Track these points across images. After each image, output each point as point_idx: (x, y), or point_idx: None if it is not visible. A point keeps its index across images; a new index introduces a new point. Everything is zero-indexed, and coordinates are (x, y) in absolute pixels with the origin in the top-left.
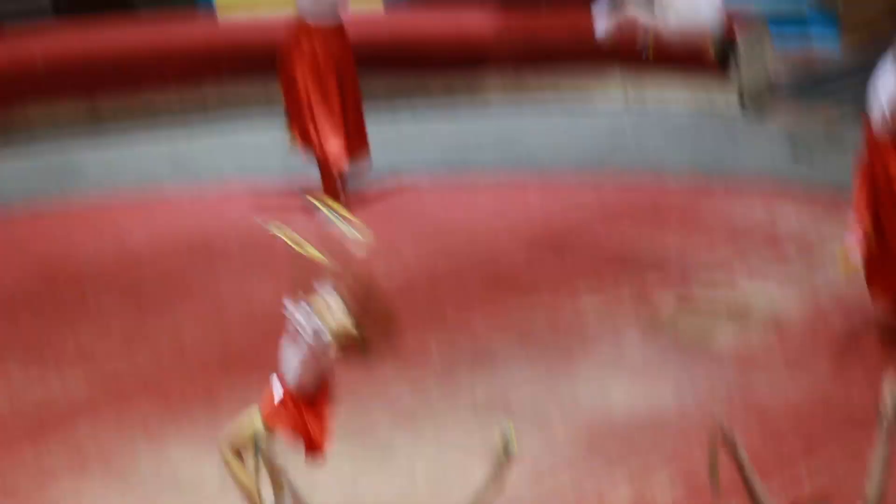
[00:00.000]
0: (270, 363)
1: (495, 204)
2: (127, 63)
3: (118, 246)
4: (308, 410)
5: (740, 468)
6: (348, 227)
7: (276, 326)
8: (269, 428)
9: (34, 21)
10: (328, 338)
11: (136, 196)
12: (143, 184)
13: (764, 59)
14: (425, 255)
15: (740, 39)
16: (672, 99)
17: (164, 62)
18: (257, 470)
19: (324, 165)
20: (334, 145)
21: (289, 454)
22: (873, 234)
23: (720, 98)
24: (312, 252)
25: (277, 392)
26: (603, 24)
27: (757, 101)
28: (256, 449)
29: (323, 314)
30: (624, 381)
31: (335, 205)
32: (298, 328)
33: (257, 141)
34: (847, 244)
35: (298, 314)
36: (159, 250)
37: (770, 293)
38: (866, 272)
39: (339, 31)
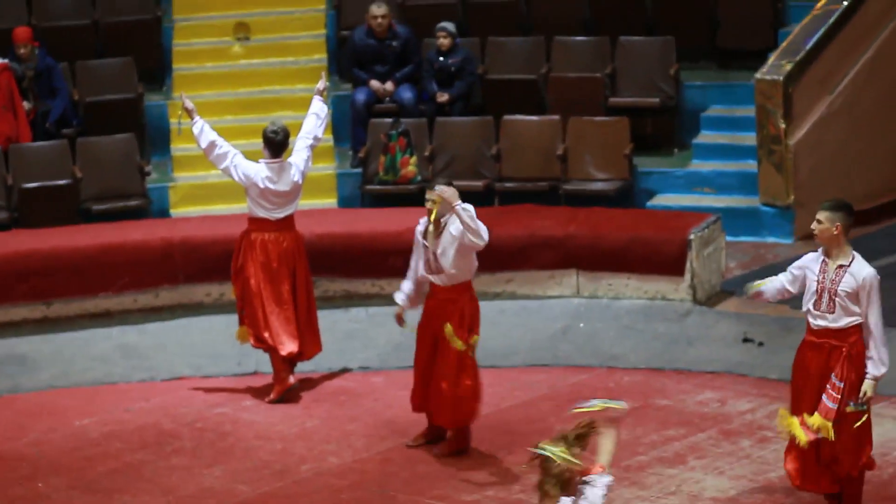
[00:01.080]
0: None
1: None
2: (82, 266)
3: (69, 433)
4: None
5: None
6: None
7: None
8: None
9: None
10: None
11: (89, 386)
12: (96, 375)
13: (717, 252)
14: (377, 440)
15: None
16: (625, 293)
17: (117, 265)
18: None
19: (276, 361)
20: (287, 343)
21: None
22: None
23: (673, 292)
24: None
25: None
26: None
27: (709, 295)
28: None
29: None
30: None
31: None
32: None
33: (210, 339)
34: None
35: None
36: (110, 439)
37: (721, 476)
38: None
39: (291, 228)
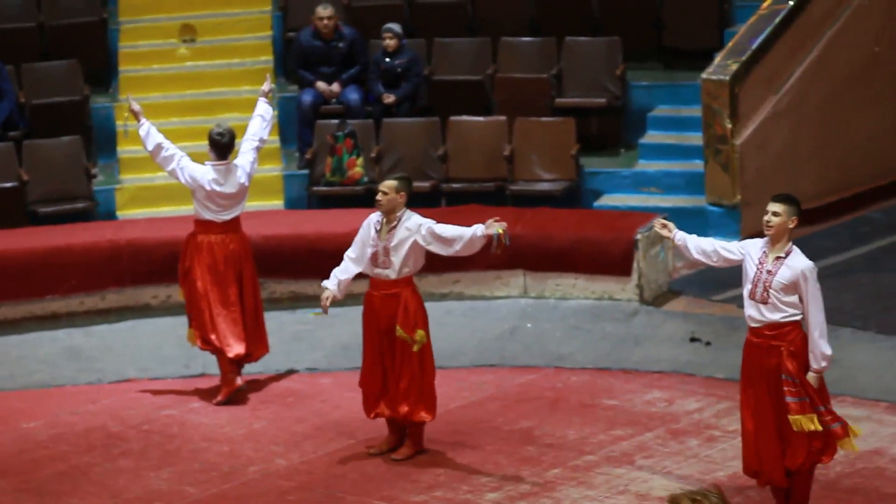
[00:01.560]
0: None
1: None
2: (28, 268)
3: (16, 436)
4: None
5: None
6: None
7: None
8: None
9: None
10: None
11: (36, 389)
12: (43, 378)
13: (663, 252)
14: (325, 441)
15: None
16: (572, 293)
17: (64, 267)
18: None
19: (223, 363)
20: (234, 345)
21: None
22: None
23: (620, 291)
24: None
25: None
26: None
27: (656, 295)
28: None
29: None
30: None
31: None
32: None
33: (158, 341)
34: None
35: None
36: (57, 441)
37: (669, 475)
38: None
39: (237, 229)
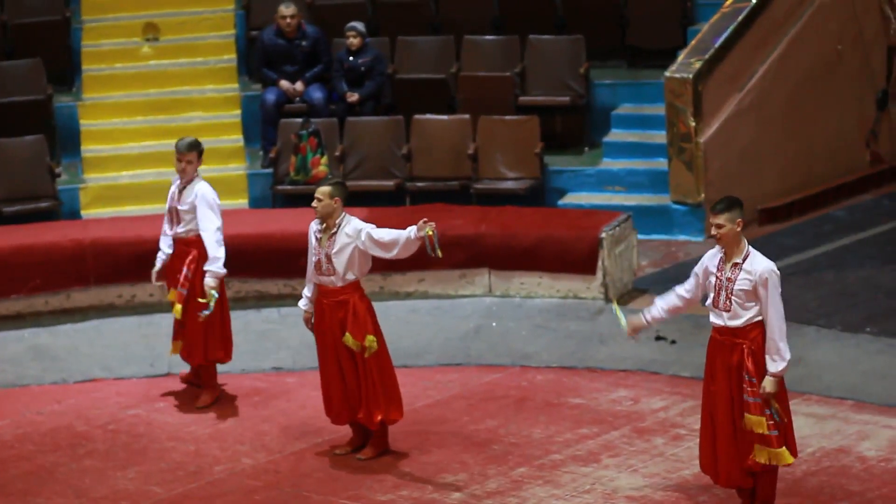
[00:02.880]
0: None
1: None
2: None
3: None
4: None
5: None
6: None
7: None
8: None
9: None
10: None
11: (0, 389)
12: (7, 377)
13: (628, 251)
14: (291, 440)
15: (604, 237)
16: (537, 292)
17: (28, 267)
18: None
19: (209, 371)
20: (200, 351)
21: None
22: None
23: (585, 290)
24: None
25: None
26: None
27: (621, 293)
28: None
29: None
30: None
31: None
32: None
33: (123, 340)
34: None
35: None
36: (23, 441)
37: (635, 473)
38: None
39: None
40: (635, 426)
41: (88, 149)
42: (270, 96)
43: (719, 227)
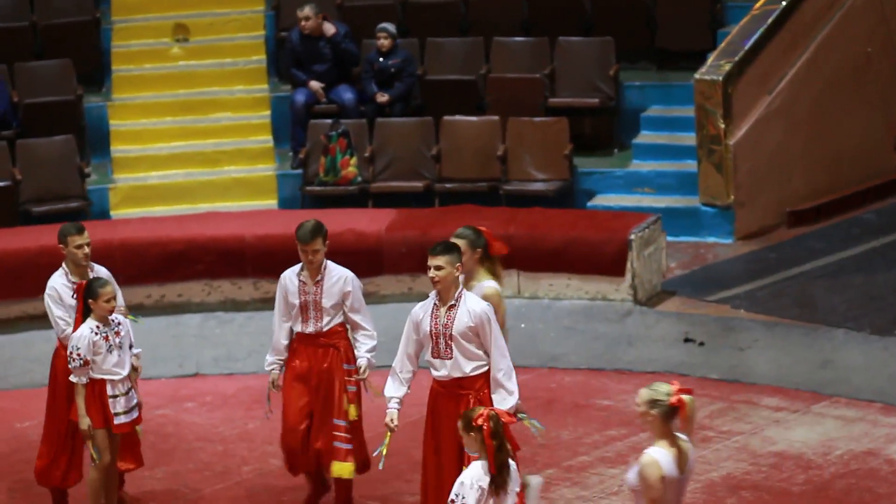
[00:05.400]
0: None
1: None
2: (21, 268)
3: (9, 436)
4: None
5: None
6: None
7: None
8: None
9: None
10: None
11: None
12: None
13: (657, 252)
14: None
15: (633, 239)
16: (565, 293)
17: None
18: None
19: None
20: None
21: None
22: None
23: (613, 292)
24: None
25: None
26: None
27: (650, 295)
28: None
29: None
30: None
31: None
32: None
33: (151, 340)
34: None
35: None
36: None
37: None
38: None
39: None
40: None
41: (118, 149)
42: (300, 97)
43: (438, 268)
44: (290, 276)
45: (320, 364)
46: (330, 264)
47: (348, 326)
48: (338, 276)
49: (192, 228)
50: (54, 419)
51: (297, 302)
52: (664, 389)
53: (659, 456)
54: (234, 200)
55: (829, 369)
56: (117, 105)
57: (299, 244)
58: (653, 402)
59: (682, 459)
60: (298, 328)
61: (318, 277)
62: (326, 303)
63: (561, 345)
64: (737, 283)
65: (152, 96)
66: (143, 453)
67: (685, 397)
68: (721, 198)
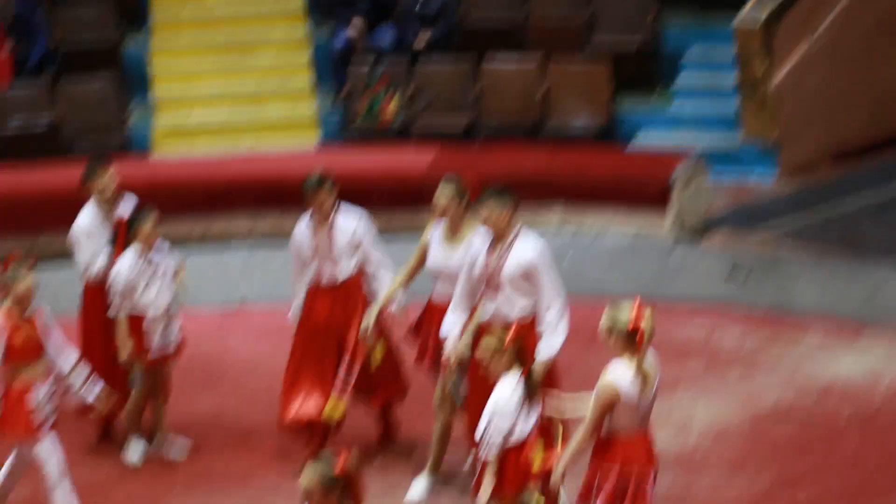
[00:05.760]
0: None
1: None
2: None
3: None
4: None
5: None
6: None
7: None
8: None
9: None
10: None
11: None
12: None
13: (700, 190)
14: None
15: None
16: (610, 227)
17: None
18: None
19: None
20: None
21: None
22: None
23: (658, 226)
24: None
25: None
26: None
27: (693, 230)
28: None
29: None
30: None
31: None
32: None
33: (195, 273)
34: None
35: None
36: None
37: (710, 404)
38: None
39: None
40: (709, 359)
41: (159, 87)
42: (340, 38)
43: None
44: (301, 229)
45: (337, 317)
46: (339, 216)
47: (367, 272)
48: (346, 226)
49: (236, 167)
50: (92, 356)
51: (310, 253)
52: (623, 316)
53: (616, 379)
54: (275, 140)
55: (876, 301)
56: (158, 46)
57: (306, 195)
58: (611, 328)
59: (645, 382)
60: (313, 279)
61: (328, 227)
62: (338, 251)
63: (605, 279)
64: (780, 219)
65: (193, 36)
66: (191, 377)
67: (642, 323)
68: (764, 136)
